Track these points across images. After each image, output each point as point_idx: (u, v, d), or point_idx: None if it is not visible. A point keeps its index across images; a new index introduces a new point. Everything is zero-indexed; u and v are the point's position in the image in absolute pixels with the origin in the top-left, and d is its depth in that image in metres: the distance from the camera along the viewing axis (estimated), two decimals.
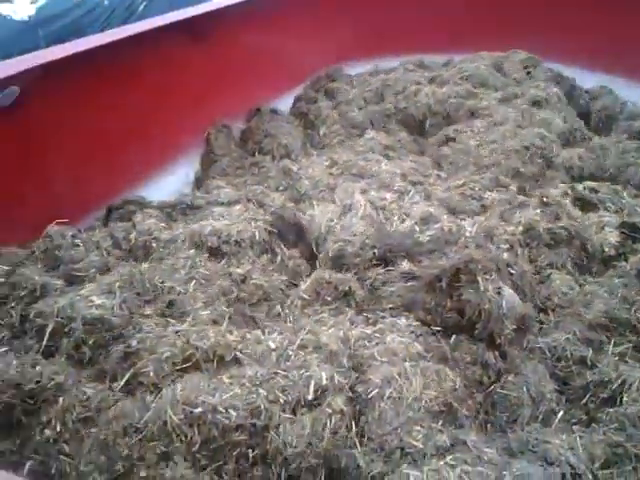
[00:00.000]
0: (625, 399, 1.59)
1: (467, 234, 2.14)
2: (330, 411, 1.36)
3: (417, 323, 1.72)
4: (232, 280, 1.93)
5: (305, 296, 1.87)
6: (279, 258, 2.12)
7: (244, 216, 2.27)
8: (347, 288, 1.87)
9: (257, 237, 2.14)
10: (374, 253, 2.01)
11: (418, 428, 1.38)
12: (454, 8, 4.36)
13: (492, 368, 1.61)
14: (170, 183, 3.05)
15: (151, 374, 1.51)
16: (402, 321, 1.72)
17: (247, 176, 2.91)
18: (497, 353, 1.65)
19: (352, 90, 3.72)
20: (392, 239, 2.06)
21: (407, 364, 1.50)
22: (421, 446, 1.32)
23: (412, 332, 1.68)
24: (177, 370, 1.52)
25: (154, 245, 2.12)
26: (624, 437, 1.49)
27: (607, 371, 1.69)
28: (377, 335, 1.64)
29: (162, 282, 1.86)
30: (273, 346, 1.55)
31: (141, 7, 5.90)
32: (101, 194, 2.73)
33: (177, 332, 1.62)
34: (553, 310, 2.01)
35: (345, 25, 4.19)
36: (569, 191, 2.63)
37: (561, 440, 1.38)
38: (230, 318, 1.78)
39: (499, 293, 1.68)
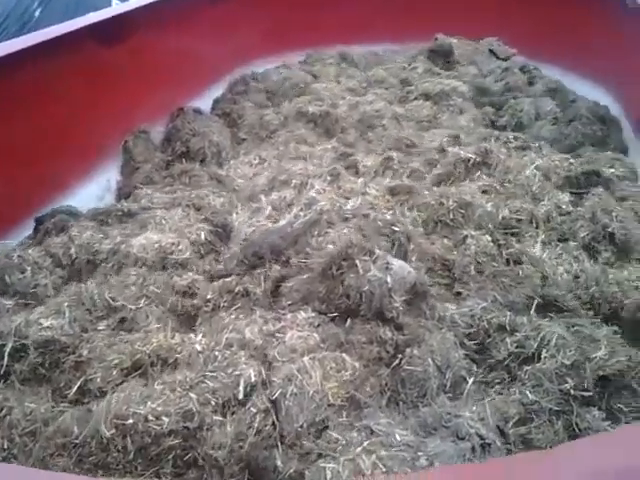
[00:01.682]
0: (544, 355, 1.59)
1: (348, 207, 2.13)
2: (255, 410, 1.36)
3: (314, 314, 1.70)
4: (176, 292, 1.91)
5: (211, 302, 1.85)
6: (222, 257, 2.14)
7: (185, 222, 2.27)
8: (243, 289, 1.86)
9: (202, 238, 2.18)
10: (244, 262, 1.99)
11: (329, 431, 1.36)
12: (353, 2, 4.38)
13: (389, 343, 1.60)
14: (91, 190, 2.92)
15: (98, 380, 1.55)
16: (301, 315, 1.70)
17: (177, 184, 2.80)
18: (392, 327, 1.64)
19: (265, 90, 3.72)
20: (255, 245, 2.01)
21: (306, 358, 1.49)
22: (335, 454, 1.29)
23: (310, 324, 1.66)
24: (124, 376, 1.56)
25: (97, 260, 2.08)
26: (540, 393, 1.51)
27: (527, 332, 1.66)
28: (279, 334, 1.62)
29: (113, 299, 1.84)
30: (199, 348, 1.56)
31: (36, 13, 5.60)
32: (23, 206, 2.62)
33: (126, 341, 1.66)
34: (470, 280, 1.94)
35: (257, 21, 4.08)
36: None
37: (471, 412, 1.39)
38: (173, 325, 1.78)
39: (387, 268, 1.66)
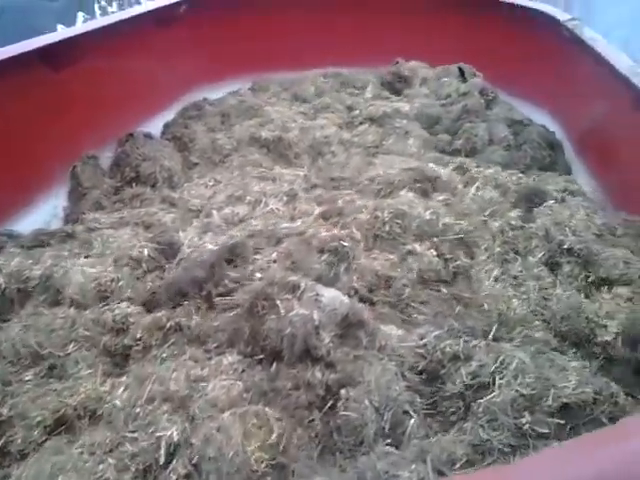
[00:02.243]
0: (499, 382, 1.44)
1: (283, 226, 1.97)
2: (175, 477, 1.22)
3: (240, 357, 1.54)
4: (108, 330, 1.77)
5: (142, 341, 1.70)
6: (166, 274, 2.02)
7: (133, 242, 2.14)
8: (175, 324, 1.71)
9: (145, 255, 2.06)
10: (170, 301, 1.83)
11: None
12: (302, 26, 4.32)
13: (319, 386, 1.45)
14: (38, 216, 2.76)
15: (19, 441, 1.40)
16: (227, 359, 1.54)
17: (127, 208, 2.67)
18: (322, 366, 1.48)
19: (220, 114, 3.61)
20: (179, 282, 1.84)
21: (227, 414, 1.32)
22: None
23: (235, 370, 1.51)
24: (47, 434, 1.42)
25: (29, 288, 1.93)
26: (495, 428, 1.36)
27: (482, 360, 1.51)
28: (203, 383, 1.46)
29: (39, 345, 1.68)
30: (120, 404, 1.41)
31: None
32: None
33: (54, 390, 1.51)
34: (417, 303, 1.81)
35: (205, 46, 4.00)
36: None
37: (410, 472, 1.23)
38: (105, 369, 1.64)
39: (316, 300, 1.50)
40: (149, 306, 1.90)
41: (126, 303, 1.87)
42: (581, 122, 3.24)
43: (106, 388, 1.53)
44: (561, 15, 3.61)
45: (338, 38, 4.31)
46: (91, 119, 3.11)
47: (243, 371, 1.50)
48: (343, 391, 1.43)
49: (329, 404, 1.42)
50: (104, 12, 6.75)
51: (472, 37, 4.07)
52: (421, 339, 1.62)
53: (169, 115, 3.71)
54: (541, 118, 3.50)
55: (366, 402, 1.39)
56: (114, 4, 7.63)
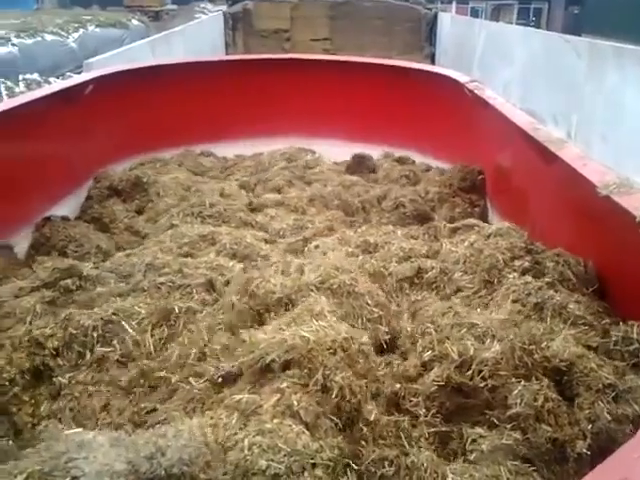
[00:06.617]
0: None
1: None
2: None
3: None
4: None
5: None
6: None
7: None
8: None
9: None
10: None
11: None
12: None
13: None
14: None
15: None
16: None
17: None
18: None
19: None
20: None
21: None
22: None
23: None
24: None
25: None
26: None
27: None
28: None
29: None
30: None
31: None
32: None
33: None
34: None
35: (112, 124, 3.98)
36: None
37: None
38: None
39: None
40: None
41: None
42: (491, 175, 3.48)
43: None
44: (462, 78, 3.92)
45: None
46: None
47: None
48: None
49: None
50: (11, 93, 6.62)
51: (390, 102, 4.32)
52: None
53: (80, 195, 3.56)
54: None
55: None
56: (21, 84, 7.49)
